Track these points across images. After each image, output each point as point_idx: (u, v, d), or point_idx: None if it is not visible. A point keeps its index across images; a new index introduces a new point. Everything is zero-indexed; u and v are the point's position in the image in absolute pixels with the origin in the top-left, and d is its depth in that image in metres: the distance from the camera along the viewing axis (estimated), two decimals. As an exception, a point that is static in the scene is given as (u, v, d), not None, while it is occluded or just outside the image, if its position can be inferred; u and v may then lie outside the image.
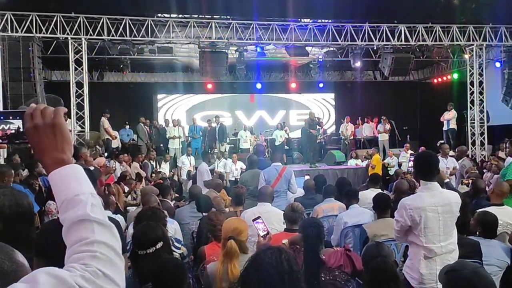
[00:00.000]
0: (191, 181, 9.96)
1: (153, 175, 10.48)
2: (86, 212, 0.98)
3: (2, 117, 1.16)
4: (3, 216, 1.24)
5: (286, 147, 14.60)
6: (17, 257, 1.02)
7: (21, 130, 1.13)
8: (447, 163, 8.61)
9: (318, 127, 12.13)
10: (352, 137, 14.76)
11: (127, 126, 13.72)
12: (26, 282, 0.86)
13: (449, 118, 13.25)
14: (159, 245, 2.75)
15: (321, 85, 17.76)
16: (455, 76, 16.53)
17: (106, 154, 10.64)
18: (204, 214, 4.63)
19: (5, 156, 8.95)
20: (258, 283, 1.74)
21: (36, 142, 1.06)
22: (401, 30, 12.64)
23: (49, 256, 2.64)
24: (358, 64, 13.66)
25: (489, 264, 3.26)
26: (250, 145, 13.87)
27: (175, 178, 10.97)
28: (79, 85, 11.41)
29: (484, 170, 8.60)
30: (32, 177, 6.41)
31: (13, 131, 1.14)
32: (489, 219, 3.60)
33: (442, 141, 11.11)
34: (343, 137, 14.78)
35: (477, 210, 4.01)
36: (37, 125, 1.05)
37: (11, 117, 1.15)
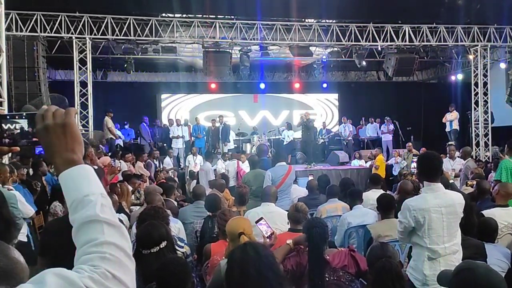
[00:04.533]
0: (194, 181, 9.98)
1: (160, 173, 10.46)
2: (95, 213, 0.97)
3: (8, 117, 1.15)
4: None
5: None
6: (12, 253, 1.02)
7: (26, 129, 1.12)
8: (453, 165, 8.58)
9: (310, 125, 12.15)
10: (350, 138, 14.75)
11: (127, 126, 13.73)
12: (34, 283, 0.85)
13: (451, 119, 13.23)
14: (163, 244, 2.75)
15: (324, 85, 17.73)
16: (460, 76, 16.47)
17: (110, 154, 10.66)
18: (209, 213, 4.62)
19: (10, 155, 8.97)
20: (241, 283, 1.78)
21: (47, 143, 1.05)
22: (405, 30, 12.61)
23: (53, 255, 2.65)
24: (363, 63, 13.64)
25: (491, 264, 3.24)
26: (253, 145, 13.86)
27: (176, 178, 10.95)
28: (83, 84, 11.45)
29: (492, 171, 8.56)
30: (35, 177, 6.44)
31: (18, 131, 1.14)
32: (490, 225, 3.59)
33: (451, 143, 11.09)
34: (342, 138, 14.80)
35: (482, 211, 4.00)
36: (48, 126, 1.04)
37: (17, 117, 1.14)
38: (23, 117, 1.13)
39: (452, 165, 8.55)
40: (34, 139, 1.11)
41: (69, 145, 1.04)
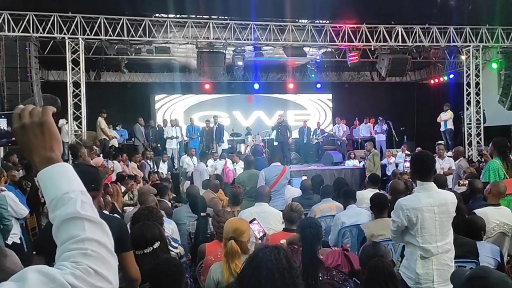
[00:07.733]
0: (188, 181, 9.96)
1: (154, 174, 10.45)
2: (76, 210, 0.97)
3: None
4: None
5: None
6: (5, 264, 1.02)
7: (5, 129, 1.13)
8: (442, 164, 8.68)
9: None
10: (344, 138, 14.82)
11: (119, 127, 13.67)
12: (15, 281, 0.86)
13: (446, 118, 13.31)
14: (157, 245, 2.75)
15: (318, 85, 17.77)
16: (452, 77, 16.58)
17: (102, 155, 10.61)
18: (202, 214, 4.63)
19: (1, 156, 8.92)
20: (258, 281, 1.75)
21: (25, 141, 1.05)
22: (398, 31, 12.67)
23: (48, 254, 2.64)
24: None
25: (482, 262, 3.27)
26: (247, 145, 13.87)
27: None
28: (76, 85, 11.36)
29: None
30: (27, 177, 6.40)
31: None
32: (476, 223, 3.62)
33: (440, 142, 11.17)
34: (336, 138, 14.88)
35: (474, 210, 4.03)
36: (25, 125, 1.05)
37: None
38: (2, 117, 1.13)
39: (441, 164, 8.64)
40: (14, 138, 1.11)
41: (47, 143, 1.04)
